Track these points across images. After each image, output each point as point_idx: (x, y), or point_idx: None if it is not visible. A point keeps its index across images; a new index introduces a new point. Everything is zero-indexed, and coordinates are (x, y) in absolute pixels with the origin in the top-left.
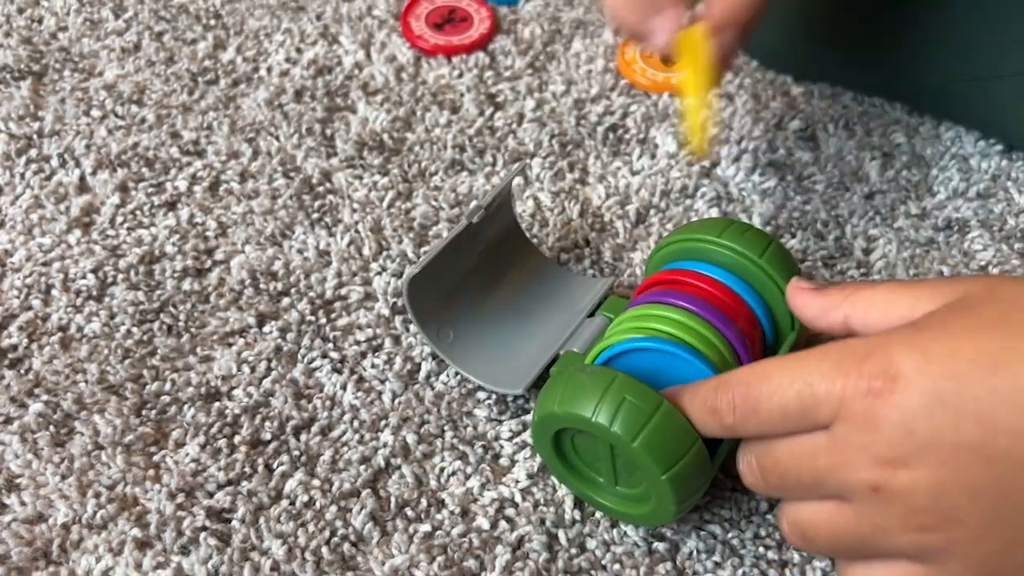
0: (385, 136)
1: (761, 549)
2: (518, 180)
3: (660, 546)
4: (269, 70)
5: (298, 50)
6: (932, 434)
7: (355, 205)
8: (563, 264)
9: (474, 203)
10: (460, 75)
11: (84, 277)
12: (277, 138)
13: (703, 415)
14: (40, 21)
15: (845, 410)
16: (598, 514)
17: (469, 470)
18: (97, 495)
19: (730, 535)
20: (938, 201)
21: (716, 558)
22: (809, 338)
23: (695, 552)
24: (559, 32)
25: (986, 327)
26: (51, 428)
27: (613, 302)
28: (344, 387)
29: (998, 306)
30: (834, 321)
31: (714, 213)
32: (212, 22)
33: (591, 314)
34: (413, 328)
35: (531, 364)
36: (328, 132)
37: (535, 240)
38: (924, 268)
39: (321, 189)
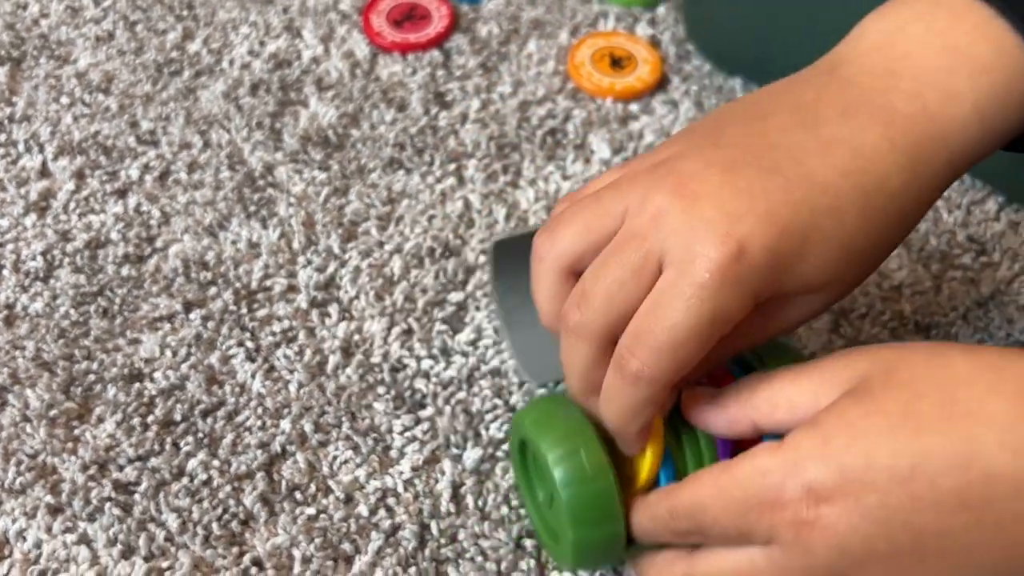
0: (330, 132)
1: None
2: (452, 182)
3: (527, 543)
4: (231, 62)
5: (261, 43)
6: (866, 550)
7: (292, 199)
8: None
9: None
10: (413, 72)
11: (34, 259)
12: (228, 131)
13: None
14: (25, 7)
15: (778, 538)
16: (472, 507)
17: (359, 459)
18: (19, 463)
19: None
20: None
21: None
22: None
23: None
24: (516, 31)
25: (893, 426)
26: None
27: None
28: (254, 375)
29: (897, 394)
30: (744, 430)
31: None
32: (184, 12)
33: None
34: (329, 322)
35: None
36: (277, 126)
37: (459, 241)
38: None
39: (262, 183)
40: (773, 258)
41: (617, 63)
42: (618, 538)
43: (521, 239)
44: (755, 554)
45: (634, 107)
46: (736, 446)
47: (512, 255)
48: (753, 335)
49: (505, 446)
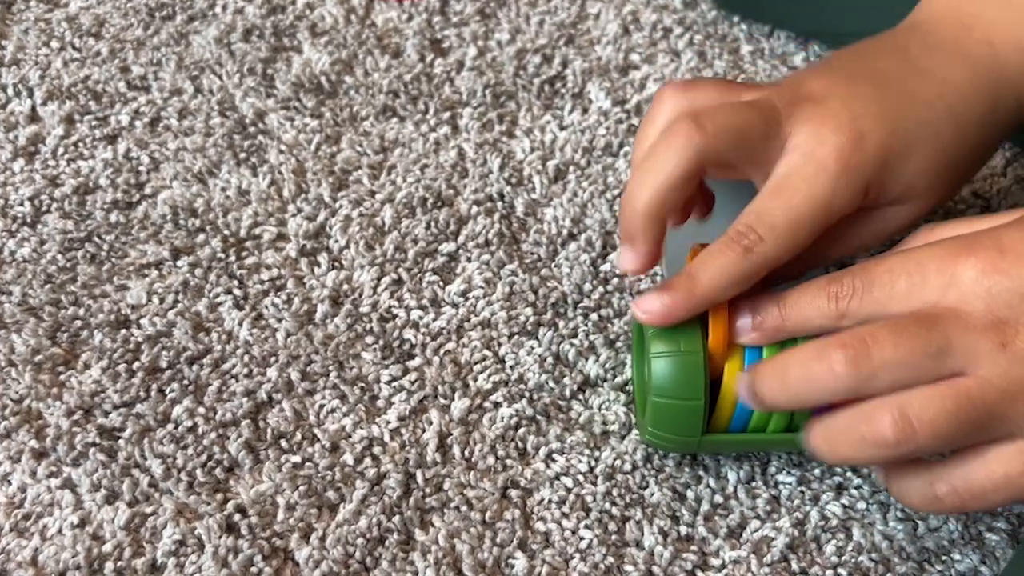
0: (323, 79)
1: (608, 504)
2: (446, 130)
3: (513, 493)
4: (224, 7)
5: None
6: None
7: (282, 147)
8: None
9: None
10: (409, 19)
11: (22, 204)
12: (220, 77)
13: (818, 299)
14: None
15: (956, 281)
16: (458, 457)
17: (346, 408)
18: (3, 407)
19: (584, 490)
20: None
21: (565, 509)
22: None
23: (545, 500)
24: None
25: None
26: None
27: None
28: (241, 323)
29: None
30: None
31: None
32: None
33: None
34: (319, 271)
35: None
36: (269, 72)
37: (451, 192)
38: None
39: (253, 129)
40: (884, 152)
41: None
42: (696, 413)
43: None
44: (934, 309)
45: (635, 56)
46: None
47: None
48: (849, 241)
49: (493, 396)
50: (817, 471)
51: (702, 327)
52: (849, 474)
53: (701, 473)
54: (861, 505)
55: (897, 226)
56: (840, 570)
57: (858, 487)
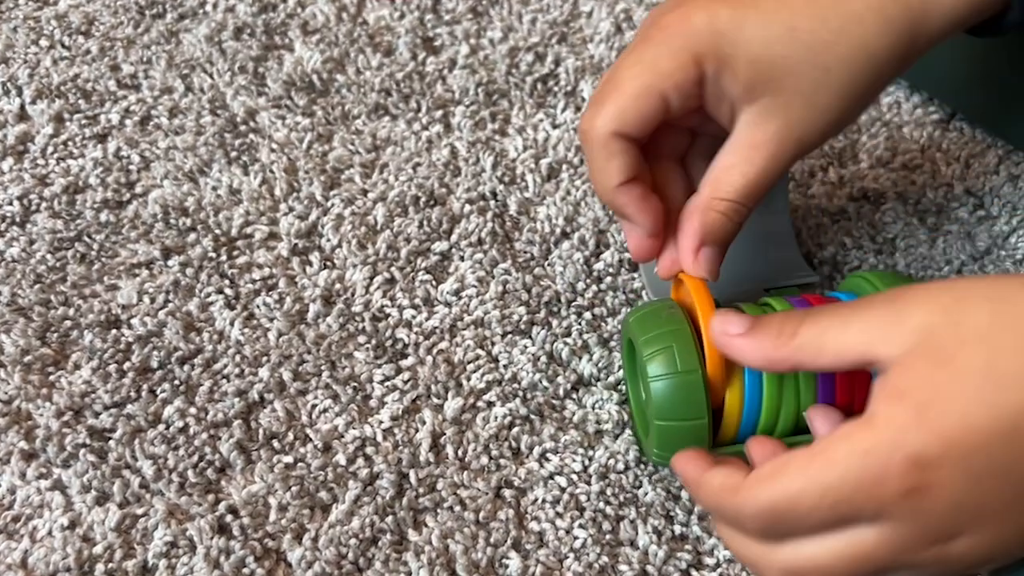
0: (315, 77)
1: (602, 504)
2: (438, 129)
3: (507, 492)
4: (215, 5)
5: None
6: (979, 503)
7: (274, 145)
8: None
9: None
10: (401, 16)
11: (11, 204)
12: (211, 75)
13: (730, 530)
14: None
15: (888, 514)
16: (452, 457)
17: (338, 408)
18: None
19: (578, 489)
20: (858, 170)
21: (559, 508)
22: None
23: (539, 500)
24: None
25: (981, 387)
26: None
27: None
28: (233, 323)
29: (974, 351)
30: (783, 369)
31: None
32: None
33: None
34: (311, 270)
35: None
36: (260, 71)
37: (444, 190)
38: (826, 239)
39: (244, 128)
40: (712, 21)
41: None
42: (701, 432)
43: None
44: (859, 535)
45: None
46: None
47: None
48: (749, 149)
49: (486, 396)
50: None
51: (696, 343)
52: None
53: None
54: None
55: (783, 131)
56: None
57: None
